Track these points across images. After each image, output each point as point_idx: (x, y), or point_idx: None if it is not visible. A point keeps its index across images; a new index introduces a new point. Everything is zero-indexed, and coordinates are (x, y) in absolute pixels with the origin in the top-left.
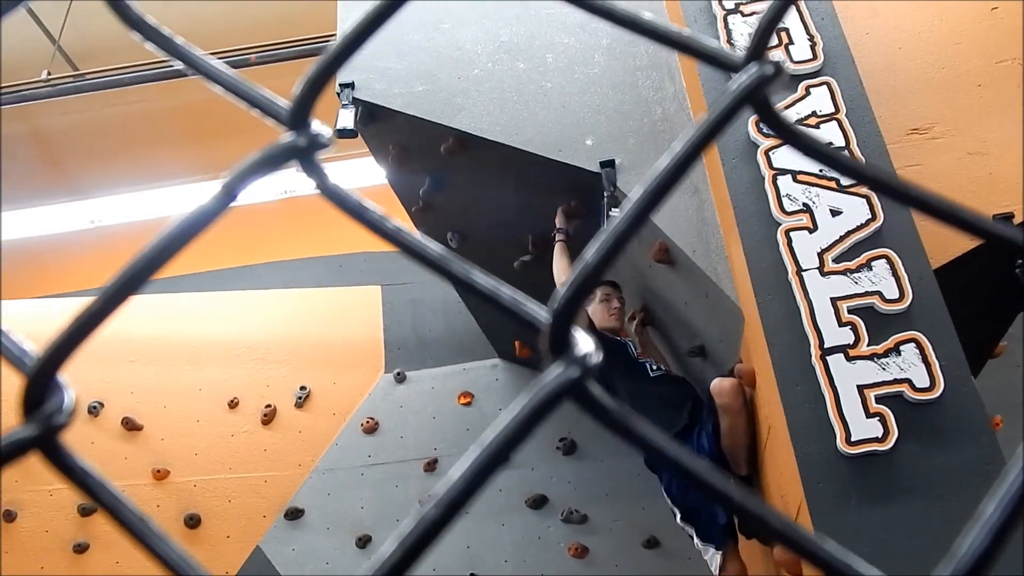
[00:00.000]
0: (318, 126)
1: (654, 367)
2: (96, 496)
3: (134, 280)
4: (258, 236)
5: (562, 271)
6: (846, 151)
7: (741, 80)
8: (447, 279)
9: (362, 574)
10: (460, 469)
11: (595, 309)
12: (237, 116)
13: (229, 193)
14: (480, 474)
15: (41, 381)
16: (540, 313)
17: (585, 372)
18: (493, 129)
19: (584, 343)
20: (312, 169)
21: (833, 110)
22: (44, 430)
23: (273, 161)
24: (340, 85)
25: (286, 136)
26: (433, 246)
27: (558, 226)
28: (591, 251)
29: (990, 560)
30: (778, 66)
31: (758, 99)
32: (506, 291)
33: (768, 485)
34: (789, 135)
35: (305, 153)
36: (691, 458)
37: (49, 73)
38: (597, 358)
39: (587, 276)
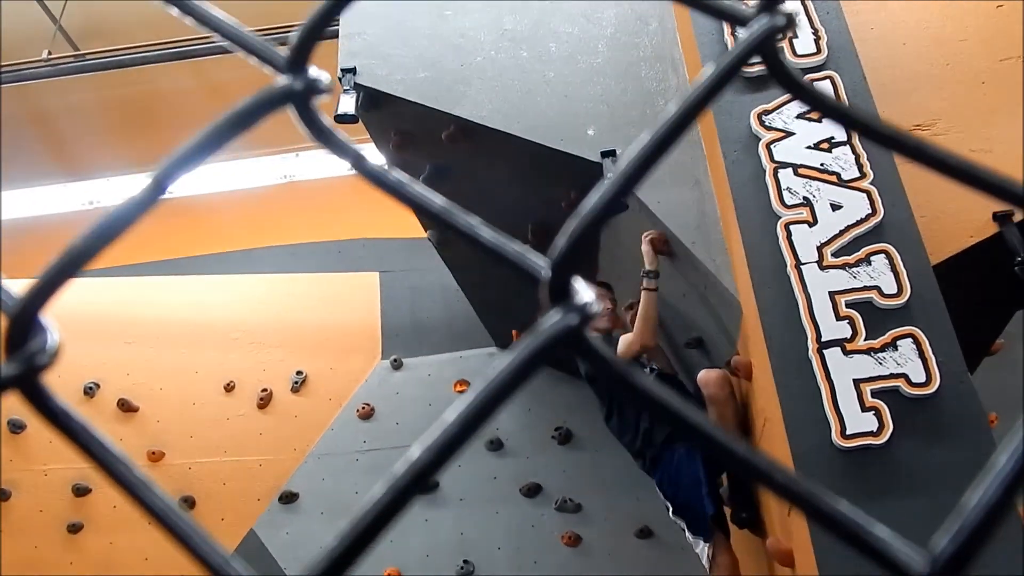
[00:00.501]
0: (315, 71)
1: (648, 369)
2: (77, 440)
3: (122, 219)
4: (257, 221)
5: (646, 327)
6: (847, 145)
7: (752, 30)
8: (451, 231)
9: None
10: (454, 413)
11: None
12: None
13: (220, 136)
14: (474, 419)
15: (23, 321)
16: (541, 264)
17: (584, 320)
18: (494, 117)
19: (584, 292)
20: (308, 114)
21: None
22: (25, 369)
23: (268, 104)
24: (342, 70)
25: (282, 79)
26: (436, 199)
27: (647, 267)
28: (592, 200)
29: (971, 553)
30: (789, 17)
31: (767, 50)
32: (511, 244)
33: None
34: (795, 87)
35: (301, 97)
36: (692, 411)
37: (50, 53)
38: (597, 307)
39: (587, 225)
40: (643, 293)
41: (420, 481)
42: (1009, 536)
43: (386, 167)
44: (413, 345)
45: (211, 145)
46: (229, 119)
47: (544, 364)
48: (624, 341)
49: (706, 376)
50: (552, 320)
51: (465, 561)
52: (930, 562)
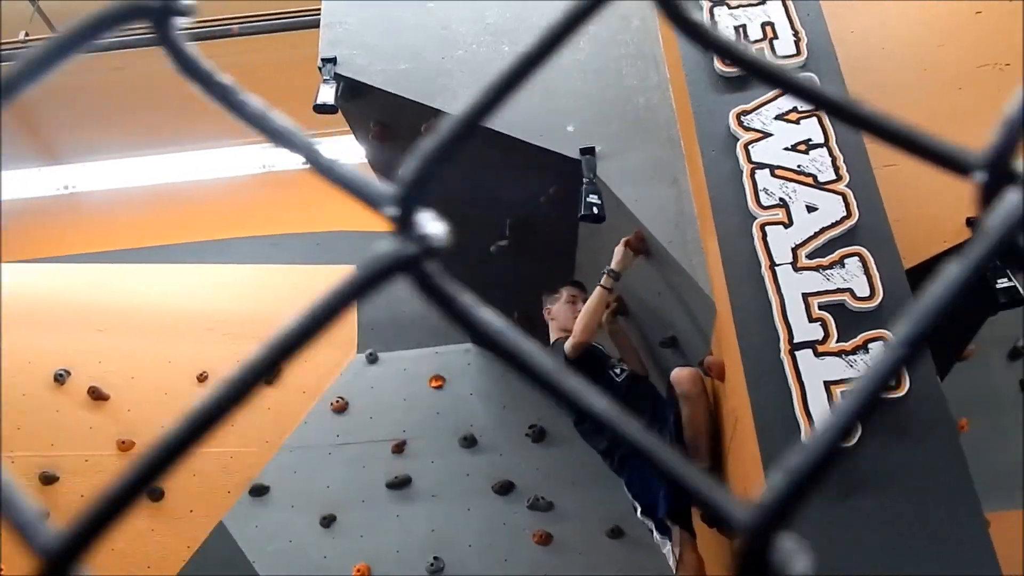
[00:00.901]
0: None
1: (617, 371)
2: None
3: None
4: (235, 210)
5: (584, 322)
6: (824, 147)
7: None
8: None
9: None
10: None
11: (559, 310)
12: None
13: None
14: (298, 336)
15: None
16: (384, 189)
17: (425, 252)
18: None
19: (431, 224)
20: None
21: (814, 106)
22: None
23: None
24: (322, 59)
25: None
26: (300, 138)
27: (612, 265)
28: (445, 126)
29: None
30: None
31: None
32: (347, 168)
33: (732, 476)
34: (691, 30)
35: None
36: (556, 369)
37: (27, 34)
38: (441, 241)
39: (434, 153)
40: (597, 288)
41: (254, 378)
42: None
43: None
44: (389, 339)
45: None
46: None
47: (376, 290)
48: (569, 341)
49: (679, 374)
50: (388, 248)
51: (436, 558)
52: (753, 512)
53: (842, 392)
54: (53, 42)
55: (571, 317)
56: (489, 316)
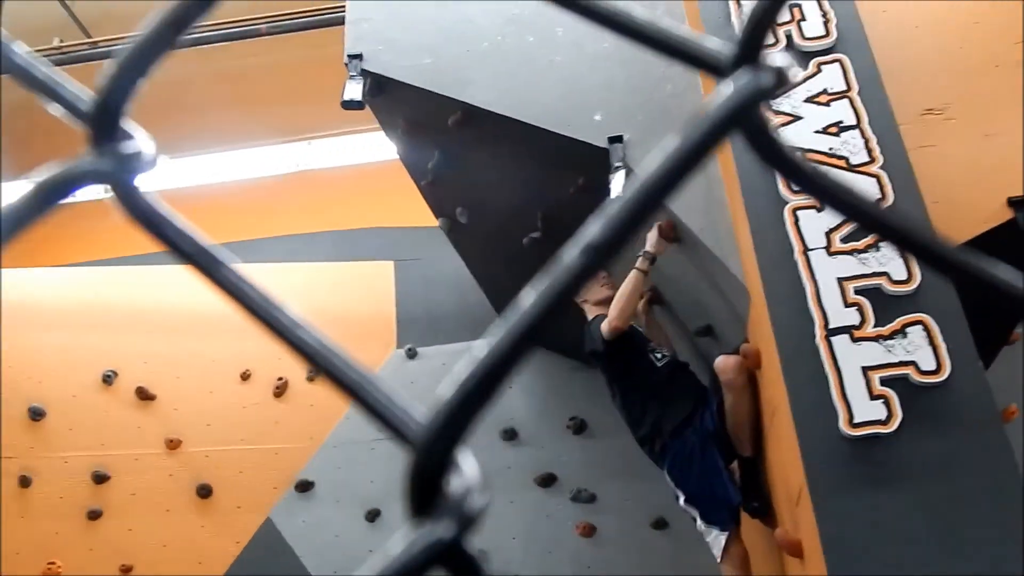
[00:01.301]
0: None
1: (659, 355)
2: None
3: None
4: (270, 209)
5: (620, 306)
6: (857, 129)
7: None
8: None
9: None
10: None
11: (590, 288)
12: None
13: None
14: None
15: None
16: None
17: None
18: (501, 103)
19: (141, 142)
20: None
21: (845, 88)
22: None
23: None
24: (348, 56)
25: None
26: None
27: (647, 248)
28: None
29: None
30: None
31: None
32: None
33: (772, 466)
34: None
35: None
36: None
37: (61, 40)
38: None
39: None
40: (632, 271)
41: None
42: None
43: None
44: (428, 334)
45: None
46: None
47: None
48: (605, 324)
49: (724, 362)
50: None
51: (480, 551)
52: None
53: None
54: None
55: (600, 289)
56: None
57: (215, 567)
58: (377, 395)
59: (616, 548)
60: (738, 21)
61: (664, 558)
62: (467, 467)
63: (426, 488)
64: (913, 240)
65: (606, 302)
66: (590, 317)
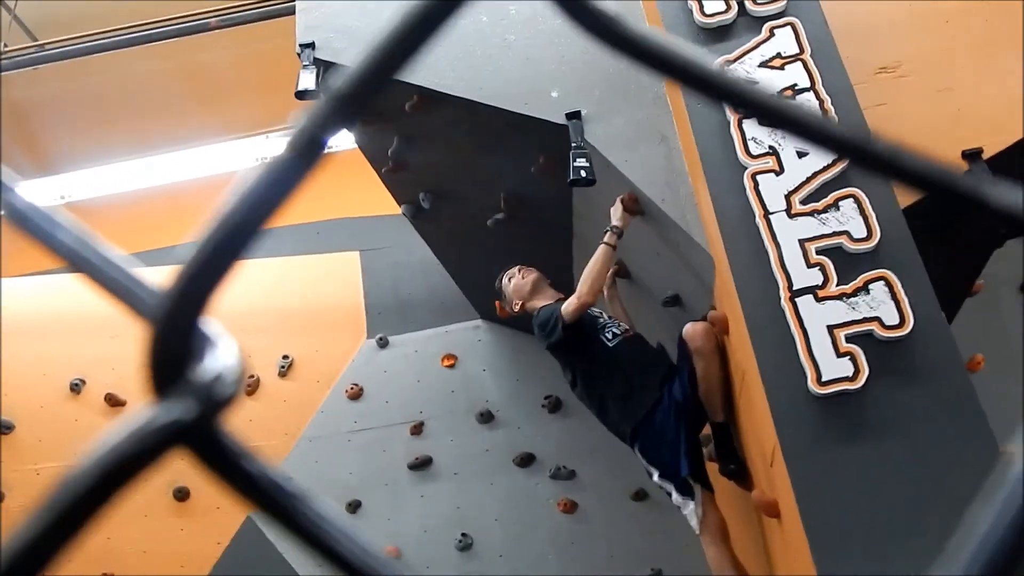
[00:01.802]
0: (217, 359)
1: (609, 335)
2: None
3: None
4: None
5: (589, 283)
6: (811, 91)
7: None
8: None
9: None
10: None
11: (515, 288)
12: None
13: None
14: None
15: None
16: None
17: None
18: (457, 84)
19: (221, 351)
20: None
21: (798, 51)
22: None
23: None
24: (300, 45)
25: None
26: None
27: (613, 223)
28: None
29: None
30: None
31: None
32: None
33: (745, 431)
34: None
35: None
36: None
37: (6, 45)
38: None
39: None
40: (600, 246)
41: None
42: None
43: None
44: (398, 322)
45: None
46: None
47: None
48: (568, 302)
49: (692, 330)
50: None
51: (463, 534)
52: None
53: None
54: None
55: (523, 284)
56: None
57: (198, 569)
58: (114, 273)
59: (598, 523)
60: (701, 19)
61: (647, 529)
62: (221, 345)
63: (167, 366)
64: (783, 113)
65: (538, 288)
66: (536, 311)
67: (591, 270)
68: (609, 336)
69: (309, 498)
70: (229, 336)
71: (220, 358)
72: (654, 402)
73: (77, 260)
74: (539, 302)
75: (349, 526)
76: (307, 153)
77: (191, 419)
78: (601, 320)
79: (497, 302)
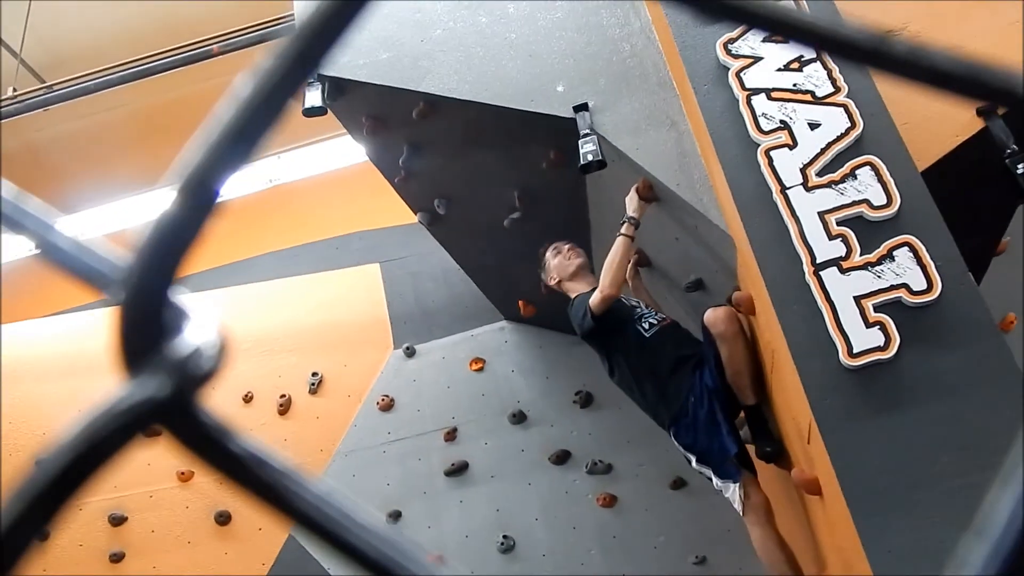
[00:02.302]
0: (193, 333)
1: (646, 324)
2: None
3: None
4: (249, 228)
5: (611, 276)
6: (818, 61)
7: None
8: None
9: None
10: None
11: (556, 267)
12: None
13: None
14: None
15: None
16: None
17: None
18: (462, 88)
19: (197, 323)
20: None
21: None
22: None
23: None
24: None
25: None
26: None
27: (629, 213)
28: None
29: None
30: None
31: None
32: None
33: (779, 409)
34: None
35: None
36: None
37: (15, 89)
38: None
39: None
40: (619, 238)
41: None
42: None
43: None
44: (423, 331)
45: None
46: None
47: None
48: (593, 297)
49: (713, 315)
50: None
51: (505, 536)
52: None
53: None
54: None
55: (569, 262)
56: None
57: None
58: (78, 253)
59: (639, 515)
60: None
61: (688, 517)
62: (199, 320)
63: (138, 340)
64: (791, 23)
65: (580, 273)
66: (571, 296)
67: (611, 262)
68: (646, 326)
69: (298, 474)
70: (208, 310)
71: (197, 332)
72: (688, 389)
73: (42, 244)
74: (576, 286)
75: (347, 504)
76: (198, 201)
77: (166, 396)
78: (638, 310)
79: (521, 301)
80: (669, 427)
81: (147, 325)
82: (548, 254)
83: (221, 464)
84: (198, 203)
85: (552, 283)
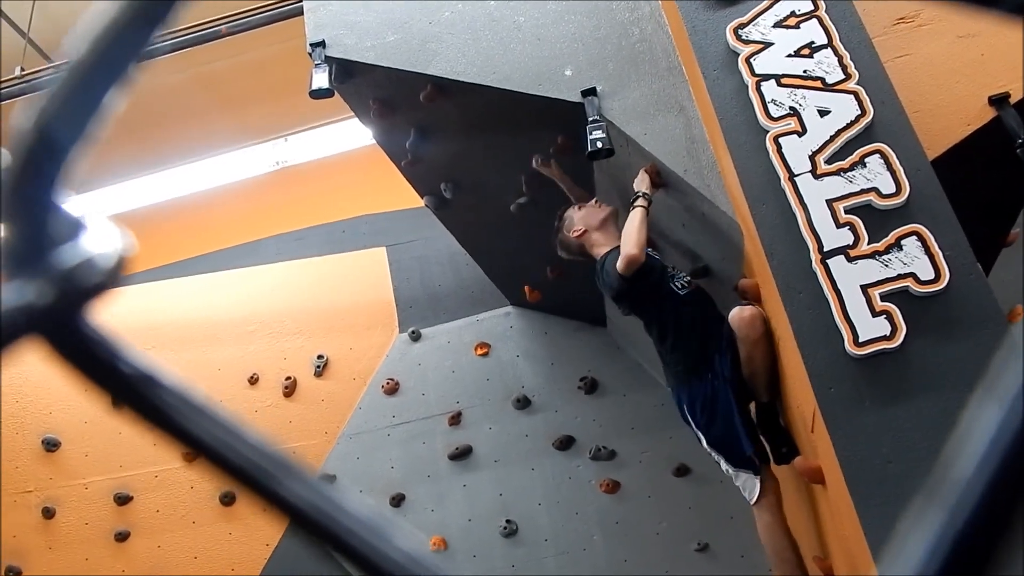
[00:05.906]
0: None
1: (679, 283)
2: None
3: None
4: (257, 211)
5: (634, 238)
6: (829, 48)
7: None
8: None
9: None
10: None
11: (585, 216)
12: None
13: None
14: None
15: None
16: None
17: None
18: (469, 71)
19: (89, 231)
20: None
21: (813, 8)
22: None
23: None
24: (311, 44)
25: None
26: None
27: (638, 190)
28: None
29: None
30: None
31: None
32: None
33: (784, 397)
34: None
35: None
36: None
37: (23, 69)
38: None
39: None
40: (635, 210)
41: None
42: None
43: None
44: (429, 314)
45: None
46: None
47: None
48: (619, 261)
49: (738, 316)
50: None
51: (508, 521)
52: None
53: None
54: None
55: (597, 210)
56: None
57: (248, 571)
58: None
59: (642, 501)
60: None
61: (691, 504)
62: (97, 232)
63: (20, 243)
64: None
65: (608, 223)
66: (599, 251)
67: (630, 227)
68: (679, 285)
69: (195, 398)
70: (112, 224)
71: (93, 244)
72: (706, 363)
73: None
74: (602, 239)
75: (240, 429)
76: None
77: (45, 304)
78: (670, 270)
79: (527, 286)
80: (689, 396)
81: (28, 230)
82: (571, 211)
83: (105, 382)
84: (83, 102)
85: (576, 235)
